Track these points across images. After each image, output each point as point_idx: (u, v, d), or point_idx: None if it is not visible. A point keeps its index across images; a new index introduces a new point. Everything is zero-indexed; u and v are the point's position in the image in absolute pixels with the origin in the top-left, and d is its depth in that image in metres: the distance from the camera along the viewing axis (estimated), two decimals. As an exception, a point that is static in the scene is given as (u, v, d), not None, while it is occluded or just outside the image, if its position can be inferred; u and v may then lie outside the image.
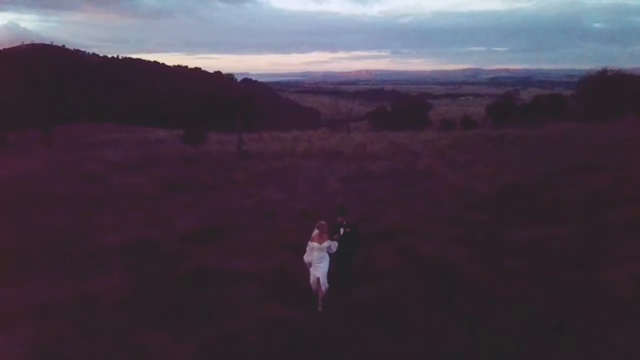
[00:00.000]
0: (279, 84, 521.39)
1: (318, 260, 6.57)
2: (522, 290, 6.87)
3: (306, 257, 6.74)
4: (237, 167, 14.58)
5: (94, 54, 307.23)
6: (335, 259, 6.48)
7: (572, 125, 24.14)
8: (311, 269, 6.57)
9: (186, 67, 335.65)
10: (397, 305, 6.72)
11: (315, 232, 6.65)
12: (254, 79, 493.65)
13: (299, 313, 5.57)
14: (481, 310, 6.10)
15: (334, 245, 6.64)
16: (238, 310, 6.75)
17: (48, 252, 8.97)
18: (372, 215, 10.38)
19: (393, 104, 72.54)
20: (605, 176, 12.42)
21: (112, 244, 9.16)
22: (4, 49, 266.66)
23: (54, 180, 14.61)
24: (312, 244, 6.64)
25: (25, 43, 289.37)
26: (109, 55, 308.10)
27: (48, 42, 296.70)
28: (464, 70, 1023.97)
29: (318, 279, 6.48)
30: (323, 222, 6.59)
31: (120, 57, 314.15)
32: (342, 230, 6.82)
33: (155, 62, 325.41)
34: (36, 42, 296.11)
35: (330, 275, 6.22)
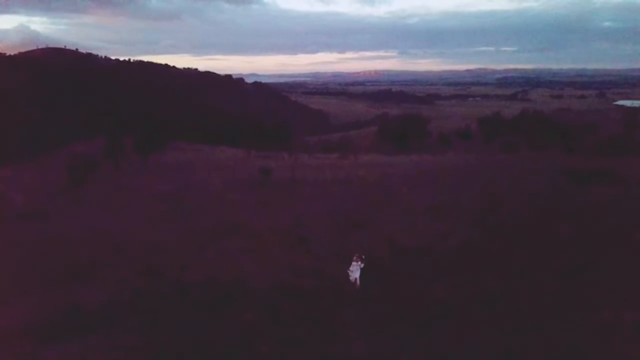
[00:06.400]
0: (287, 84, 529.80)
1: (354, 269, 15.68)
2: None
3: (350, 269, 15.81)
4: (294, 189, 23.51)
5: (106, 57, 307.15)
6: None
7: (503, 156, 32.98)
8: (350, 273, 15.64)
9: (196, 69, 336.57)
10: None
11: (355, 257, 15.75)
12: (262, 80, 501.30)
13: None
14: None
15: (360, 265, 15.62)
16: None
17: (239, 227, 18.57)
18: (360, 213, 20.24)
19: (396, 115, 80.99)
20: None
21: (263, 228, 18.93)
22: (20, 52, 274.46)
23: (205, 196, 23.50)
24: (352, 263, 15.88)
25: (39, 47, 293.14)
26: (121, 59, 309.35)
27: (60, 46, 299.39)
28: (472, 70, 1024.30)
29: (354, 278, 15.51)
30: (357, 255, 15.68)
31: (131, 60, 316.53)
32: (363, 257, 15.84)
33: (166, 65, 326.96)
34: (50, 45, 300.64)
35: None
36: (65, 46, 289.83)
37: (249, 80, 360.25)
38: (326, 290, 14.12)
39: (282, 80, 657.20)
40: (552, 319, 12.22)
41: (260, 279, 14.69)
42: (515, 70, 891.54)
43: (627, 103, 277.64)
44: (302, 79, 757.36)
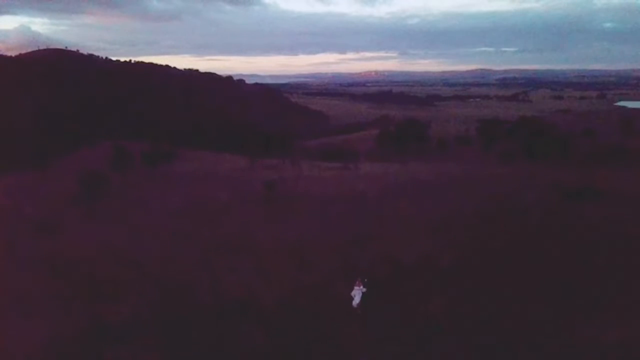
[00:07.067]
0: (287, 85, 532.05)
1: (356, 293, 16.50)
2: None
3: (352, 293, 16.62)
4: (297, 205, 24.62)
5: (107, 59, 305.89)
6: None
7: (500, 167, 34.17)
8: (353, 298, 16.41)
9: (197, 70, 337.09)
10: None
11: (356, 282, 16.53)
12: (263, 81, 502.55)
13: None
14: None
15: (362, 290, 16.36)
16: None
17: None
18: (360, 230, 21.30)
19: (397, 117, 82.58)
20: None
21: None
22: (22, 54, 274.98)
23: (212, 212, 24.26)
24: (354, 287, 16.74)
25: (41, 48, 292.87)
26: (122, 59, 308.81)
27: (61, 47, 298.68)
28: (472, 70, 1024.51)
29: (356, 303, 16.27)
30: (359, 279, 16.54)
31: (132, 61, 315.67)
32: (365, 281, 16.58)
33: (167, 66, 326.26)
34: (51, 46, 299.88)
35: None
36: (66, 47, 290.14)
37: (249, 81, 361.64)
38: (330, 307, 15.14)
39: (282, 81, 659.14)
40: (539, 337, 13.21)
41: (267, 296, 15.71)
42: (516, 71, 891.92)
43: (629, 104, 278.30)
44: (303, 79, 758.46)
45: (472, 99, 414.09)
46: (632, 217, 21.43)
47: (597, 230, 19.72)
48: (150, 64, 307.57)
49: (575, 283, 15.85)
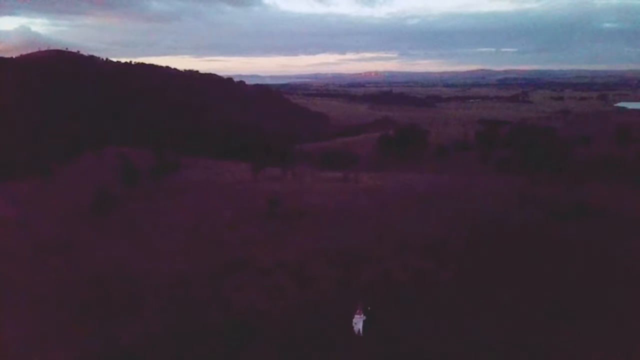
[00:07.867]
0: (288, 86, 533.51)
1: (357, 321, 17.24)
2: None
3: (354, 321, 17.40)
4: (299, 221, 25.55)
5: (108, 60, 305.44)
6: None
7: (495, 179, 36.25)
8: (354, 324, 17.16)
9: (197, 71, 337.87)
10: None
11: (358, 310, 17.21)
12: (263, 81, 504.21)
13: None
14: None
15: (362, 317, 17.06)
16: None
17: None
18: (361, 247, 22.29)
19: (397, 119, 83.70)
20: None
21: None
22: (22, 55, 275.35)
23: (217, 227, 25.12)
24: (355, 315, 17.52)
25: (41, 49, 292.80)
26: (122, 60, 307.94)
27: (62, 48, 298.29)
28: (473, 71, 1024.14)
29: (357, 329, 17.03)
30: (360, 308, 16.82)
31: (133, 62, 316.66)
32: (367, 309, 17.22)
33: (167, 67, 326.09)
34: (51, 47, 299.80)
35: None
36: (66, 48, 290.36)
37: (250, 82, 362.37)
38: (330, 323, 16.03)
39: (282, 81, 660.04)
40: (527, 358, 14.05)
41: (272, 314, 16.57)
42: (516, 71, 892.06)
43: (629, 105, 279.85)
44: (303, 80, 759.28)
45: (472, 100, 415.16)
46: (621, 235, 22.21)
47: (585, 250, 20.52)
48: (151, 65, 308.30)
49: (564, 305, 16.63)
